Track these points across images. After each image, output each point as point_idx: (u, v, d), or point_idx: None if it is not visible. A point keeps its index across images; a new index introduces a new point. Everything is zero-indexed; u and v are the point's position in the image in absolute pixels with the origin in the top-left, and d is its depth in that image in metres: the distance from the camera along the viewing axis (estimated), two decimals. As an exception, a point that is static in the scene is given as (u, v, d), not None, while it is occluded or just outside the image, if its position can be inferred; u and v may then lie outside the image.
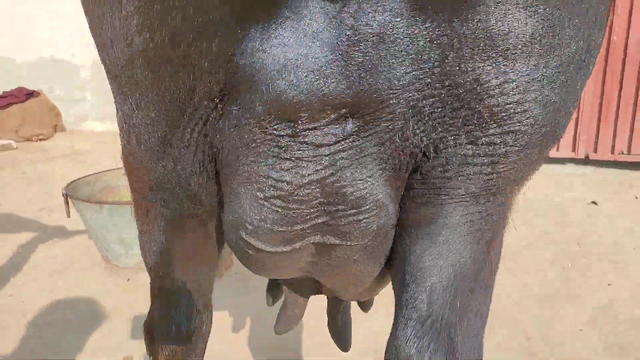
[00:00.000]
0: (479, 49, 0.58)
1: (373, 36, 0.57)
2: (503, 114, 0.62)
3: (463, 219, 0.70)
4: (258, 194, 0.70)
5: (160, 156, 0.72)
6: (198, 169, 0.72)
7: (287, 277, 0.99)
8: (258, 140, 0.65)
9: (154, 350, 1.03)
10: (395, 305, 0.77)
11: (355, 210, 0.71)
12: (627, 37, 5.44)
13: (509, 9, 0.56)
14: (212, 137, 0.68)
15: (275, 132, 0.64)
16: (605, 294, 2.65)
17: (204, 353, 1.10)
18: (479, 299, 0.76)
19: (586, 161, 5.79)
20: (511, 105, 0.61)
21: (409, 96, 0.62)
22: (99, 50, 0.69)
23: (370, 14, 0.56)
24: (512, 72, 0.59)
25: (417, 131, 0.65)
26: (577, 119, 5.74)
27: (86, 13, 0.67)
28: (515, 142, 0.64)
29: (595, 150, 5.73)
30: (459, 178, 0.67)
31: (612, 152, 5.66)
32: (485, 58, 0.58)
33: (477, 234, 0.72)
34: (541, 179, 5.03)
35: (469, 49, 0.58)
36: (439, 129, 0.64)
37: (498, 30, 0.57)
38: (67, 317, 2.44)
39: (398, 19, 0.56)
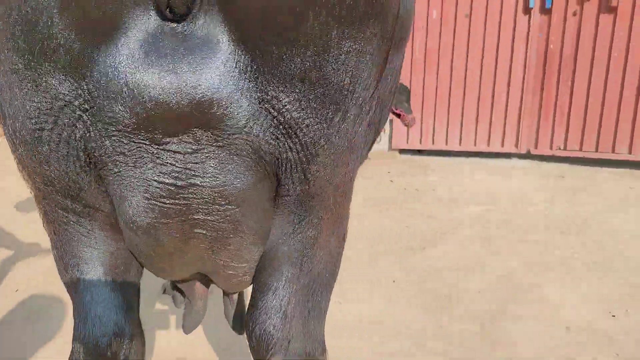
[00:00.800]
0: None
1: (201, 54, 0.67)
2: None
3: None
4: (145, 195, 0.78)
5: (36, 159, 0.77)
6: (76, 172, 0.78)
7: (180, 274, 1.01)
8: (131, 149, 0.73)
9: None
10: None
11: (224, 206, 0.81)
12: (562, 42, 6.01)
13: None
14: (86, 145, 0.75)
15: (141, 142, 0.72)
16: (507, 265, 3.15)
17: None
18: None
19: (527, 155, 6.35)
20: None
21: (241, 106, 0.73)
22: None
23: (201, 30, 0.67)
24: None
25: (257, 138, 0.76)
26: (519, 117, 6.29)
27: None
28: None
29: (536, 146, 6.31)
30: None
31: (551, 147, 6.23)
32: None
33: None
34: (485, 172, 5.56)
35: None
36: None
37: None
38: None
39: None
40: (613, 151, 5.85)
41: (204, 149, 0.74)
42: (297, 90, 0.74)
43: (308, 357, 1.01)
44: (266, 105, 0.74)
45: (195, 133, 0.72)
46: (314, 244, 0.96)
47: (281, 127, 0.76)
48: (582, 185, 5.15)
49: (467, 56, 6.41)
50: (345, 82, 0.77)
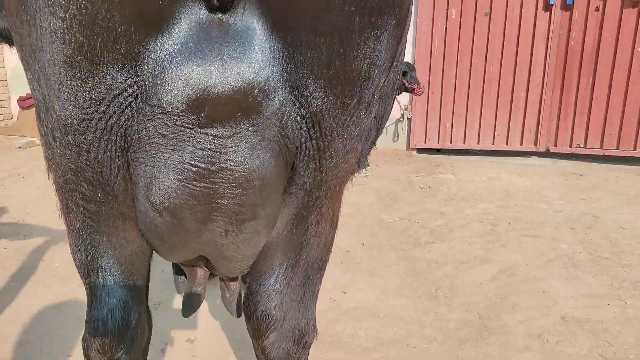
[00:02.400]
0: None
1: (252, 41, 0.72)
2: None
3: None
4: (178, 177, 0.80)
5: (77, 149, 0.80)
6: (110, 157, 0.80)
7: (189, 255, 1.03)
8: (173, 132, 0.76)
9: (84, 349, 1.05)
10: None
11: (247, 191, 0.84)
12: (584, 39, 5.94)
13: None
14: (127, 129, 0.77)
15: (184, 125, 0.75)
16: (511, 258, 3.19)
17: (143, 354, 1.11)
18: None
19: (546, 154, 6.29)
20: None
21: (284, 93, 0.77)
22: (20, 54, 0.79)
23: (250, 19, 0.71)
24: None
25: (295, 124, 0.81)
26: (539, 116, 6.24)
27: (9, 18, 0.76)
28: None
29: (555, 144, 6.24)
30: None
31: (571, 145, 6.16)
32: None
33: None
34: (502, 170, 5.55)
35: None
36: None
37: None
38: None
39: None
40: (635, 148, 5.74)
41: (239, 133, 0.78)
42: (322, 78, 0.78)
43: (300, 335, 1.10)
44: (295, 92, 0.79)
45: (234, 118, 0.76)
46: (314, 231, 1.01)
47: (306, 115, 0.81)
48: (599, 183, 5.08)
49: (487, 55, 6.41)
50: (363, 68, 0.82)
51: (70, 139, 0.79)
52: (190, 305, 1.36)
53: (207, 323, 2.39)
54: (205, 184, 0.82)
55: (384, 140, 7.24)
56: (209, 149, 0.78)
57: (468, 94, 6.55)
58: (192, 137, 0.77)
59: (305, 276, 1.08)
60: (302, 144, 0.85)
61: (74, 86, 0.73)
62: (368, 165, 5.77)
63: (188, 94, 0.72)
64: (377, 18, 0.80)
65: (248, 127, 0.78)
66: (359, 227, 3.83)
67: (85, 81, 0.72)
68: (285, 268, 1.04)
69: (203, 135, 0.77)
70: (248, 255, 1.02)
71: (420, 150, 6.91)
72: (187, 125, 0.76)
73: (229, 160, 0.80)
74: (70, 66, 0.72)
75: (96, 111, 0.75)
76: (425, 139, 6.83)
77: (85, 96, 0.74)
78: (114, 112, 0.75)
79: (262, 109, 0.77)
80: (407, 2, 0.89)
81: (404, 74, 5.31)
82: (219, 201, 0.85)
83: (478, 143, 6.65)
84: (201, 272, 1.31)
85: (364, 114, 0.90)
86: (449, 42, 6.48)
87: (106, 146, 0.79)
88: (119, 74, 0.72)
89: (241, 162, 0.81)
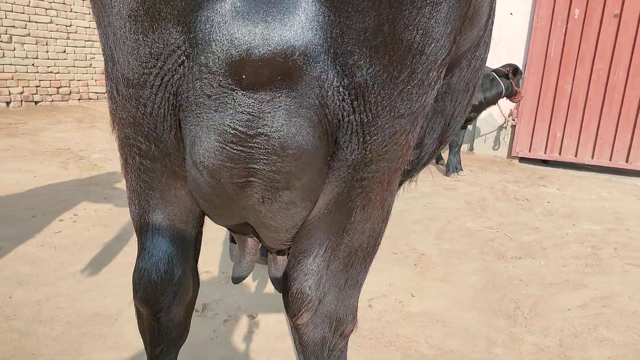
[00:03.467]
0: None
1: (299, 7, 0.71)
2: None
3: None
4: (218, 138, 0.81)
5: (135, 103, 0.83)
6: (163, 114, 0.83)
7: (234, 220, 1.05)
8: (216, 93, 0.77)
9: (135, 299, 1.09)
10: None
11: (282, 158, 0.83)
12: None
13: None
14: (178, 88, 0.80)
15: (228, 86, 0.76)
16: (610, 287, 2.82)
17: (184, 318, 1.13)
18: None
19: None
20: None
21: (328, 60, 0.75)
22: (94, 10, 0.83)
23: None
24: None
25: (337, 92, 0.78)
26: (670, 132, 5.46)
27: None
28: None
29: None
30: None
31: None
32: None
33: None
34: (617, 190, 4.97)
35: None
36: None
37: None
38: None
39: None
40: None
41: (278, 98, 0.77)
42: (368, 46, 0.75)
43: (337, 322, 1.07)
44: (339, 60, 0.76)
45: (274, 82, 0.75)
46: (358, 215, 0.97)
47: (349, 86, 0.78)
48: None
49: (612, 61, 5.75)
50: (415, 40, 0.76)
51: (131, 92, 0.82)
52: (239, 272, 1.37)
53: (272, 302, 2.43)
54: (242, 148, 0.82)
55: (483, 147, 6.85)
56: (247, 112, 0.78)
57: (586, 103, 5.94)
58: (233, 99, 0.77)
59: (348, 262, 1.03)
60: (345, 117, 0.82)
61: (136, 40, 0.77)
62: (461, 169, 5.49)
63: (231, 54, 0.72)
64: None
65: (287, 93, 0.77)
66: (440, 231, 3.66)
67: (146, 35, 0.75)
68: (325, 249, 1.00)
69: (243, 98, 0.77)
70: (286, 227, 1.00)
71: (523, 160, 6.42)
72: (229, 87, 0.76)
73: (266, 125, 0.79)
74: (134, 20, 0.75)
75: (154, 66, 0.78)
76: (530, 148, 6.33)
77: (146, 51, 0.77)
78: (169, 69, 0.78)
79: (303, 74, 0.75)
80: None
81: (515, 72, 4.96)
82: (255, 166, 0.84)
83: (592, 157, 6.02)
84: (251, 241, 1.31)
85: (416, 92, 0.83)
86: (568, 44, 5.92)
87: (160, 102, 0.82)
88: (175, 30, 0.74)
89: (277, 128, 0.80)
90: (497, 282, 2.85)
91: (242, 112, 0.79)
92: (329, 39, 0.74)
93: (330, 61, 0.76)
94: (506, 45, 6.38)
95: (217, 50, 0.73)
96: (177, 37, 0.75)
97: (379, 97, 0.80)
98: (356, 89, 0.79)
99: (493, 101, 5.18)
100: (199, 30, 0.73)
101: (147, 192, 0.98)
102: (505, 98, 5.22)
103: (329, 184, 0.93)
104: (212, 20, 0.72)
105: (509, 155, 6.56)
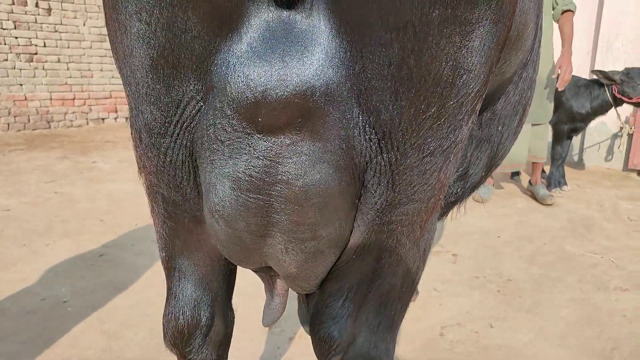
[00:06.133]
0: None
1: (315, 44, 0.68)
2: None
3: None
4: (233, 186, 0.79)
5: (157, 151, 0.83)
6: (182, 161, 0.83)
7: (256, 266, 1.02)
8: (230, 138, 0.75)
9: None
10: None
11: (305, 208, 0.78)
12: None
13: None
14: (193, 134, 0.79)
15: (242, 130, 0.73)
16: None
17: (217, 356, 1.13)
18: None
19: None
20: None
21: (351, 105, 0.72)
22: (116, 62, 0.83)
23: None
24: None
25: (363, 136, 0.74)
26: None
27: (108, 33, 0.82)
28: None
29: None
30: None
31: None
32: None
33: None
34: None
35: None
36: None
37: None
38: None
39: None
40: None
41: (299, 142, 0.73)
42: (393, 80, 0.70)
43: None
44: (363, 97, 0.72)
45: (294, 124, 0.71)
46: (390, 256, 0.92)
47: (375, 124, 0.73)
48: None
49: None
50: (445, 73, 0.71)
51: (153, 141, 0.83)
52: (269, 315, 1.30)
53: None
54: (260, 196, 0.78)
55: (593, 157, 6.20)
56: (265, 157, 0.74)
57: None
58: (249, 144, 0.74)
59: (381, 304, 0.98)
60: (373, 158, 0.77)
61: (158, 89, 0.76)
62: (565, 184, 5.01)
63: (246, 96, 0.70)
64: (465, 11, 0.67)
65: (309, 136, 0.72)
66: (533, 254, 3.37)
67: (167, 84, 0.75)
68: (354, 292, 0.96)
69: (260, 142, 0.73)
70: (314, 276, 0.96)
71: (644, 173, 5.69)
72: (244, 131, 0.73)
73: (286, 172, 0.75)
74: (156, 69, 0.75)
75: (174, 114, 0.78)
76: (652, 160, 5.58)
77: (166, 99, 0.77)
78: (187, 116, 0.77)
79: (324, 115, 0.71)
80: None
81: (623, 80, 4.42)
82: (275, 216, 0.81)
83: None
84: (280, 282, 1.26)
85: (447, 127, 0.77)
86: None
87: (179, 150, 0.81)
88: (193, 76, 0.73)
89: (299, 175, 0.75)
90: (594, 316, 2.55)
91: (258, 158, 0.75)
92: (351, 76, 0.70)
93: (354, 99, 0.72)
94: (623, 45, 5.71)
95: (232, 93, 0.70)
96: (195, 82, 0.74)
97: (406, 134, 0.74)
98: (382, 127, 0.73)
99: (601, 111, 4.67)
100: (215, 73, 0.71)
101: (172, 237, 0.99)
102: (615, 107, 4.67)
103: (357, 228, 0.88)
104: (228, 62, 0.70)
105: (625, 168, 5.84)
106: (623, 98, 4.50)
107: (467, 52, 0.71)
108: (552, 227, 3.95)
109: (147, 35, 0.72)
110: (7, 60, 7.29)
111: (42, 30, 7.55)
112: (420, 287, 2.80)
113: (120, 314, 2.42)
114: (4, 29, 7.19)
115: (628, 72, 4.48)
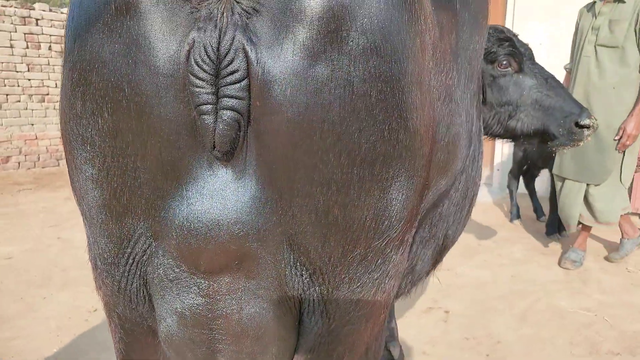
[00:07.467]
0: None
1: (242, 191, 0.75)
2: None
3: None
4: (179, 321, 0.86)
5: (112, 278, 0.90)
6: (137, 288, 0.89)
7: None
8: (177, 278, 0.82)
9: None
10: None
11: (245, 338, 0.85)
12: None
13: None
14: (144, 270, 0.86)
15: (187, 271, 0.81)
16: None
17: None
18: None
19: None
20: None
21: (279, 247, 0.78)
22: (74, 196, 0.89)
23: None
24: None
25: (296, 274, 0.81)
26: None
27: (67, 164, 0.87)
28: None
29: None
30: None
31: None
32: None
33: None
34: None
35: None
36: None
37: None
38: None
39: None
40: None
41: (236, 281, 0.81)
42: (320, 226, 0.77)
43: None
44: (294, 239, 0.78)
45: (232, 267, 0.79)
46: None
47: (306, 262, 0.80)
48: None
49: None
50: (368, 219, 0.79)
51: (108, 269, 0.90)
52: None
53: None
54: (203, 330, 0.86)
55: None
56: (206, 295, 0.82)
57: None
58: (194, 283, 0.82)
59: None
60: (306, 291, 0.84)
61: (111, 225, 0.83)
62: (564, 229, 4.96)
63: (189, 243, 0.77)
64: (381, 171, 0.76)
65: (244, 276, 0.80)
66: (525, 311, 3.34)
67: (120, 221, 0.82)
68: None
69: (202, 282, 0.82)
70: None
71: (646, 217, 5.62)
72: (189, 271, 0.81)
73: (225, 307, 0.83)
74: (108, 208, 0.81)
75: (125, 249, 0.85)
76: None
77: (117, 234, 0.83)
78: (137, 252, 0.84)
79: (258, 257, 0.79)
80: (420, 155, 0.80)
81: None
82: (218, 345, 0.88)
83: None
84: None
85: (377, 262, 0.85)
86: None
87: (132, 280, 0.88)
88: (143, 216, 0.80)
89: (236, 310, 0.83)
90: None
91: (201, 296, 0.83)
92: (282, 222, 0.77)
93: (285, 242, 0.79)
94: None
95: (177, 238, 0.78)
96: (145, 221, 0.80)
97: (336, 270, 0.82)
98: (313, 264, 0.81)
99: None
100: (162, 218, 0.78)
101: (129, 352, 1.04)
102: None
103: (300, 351, 0.94)
104: (174, 210, 0.77)
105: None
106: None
107: (387, 202, 0.79)
108: (547, 279, 3.92)
109: (100, 179, 0.80)
110: (19, 101, 7.54)
111: (54, 72, 7.82)
112: (408, 349, 2.79)
113: None
114: (17, 71, 7.46)
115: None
